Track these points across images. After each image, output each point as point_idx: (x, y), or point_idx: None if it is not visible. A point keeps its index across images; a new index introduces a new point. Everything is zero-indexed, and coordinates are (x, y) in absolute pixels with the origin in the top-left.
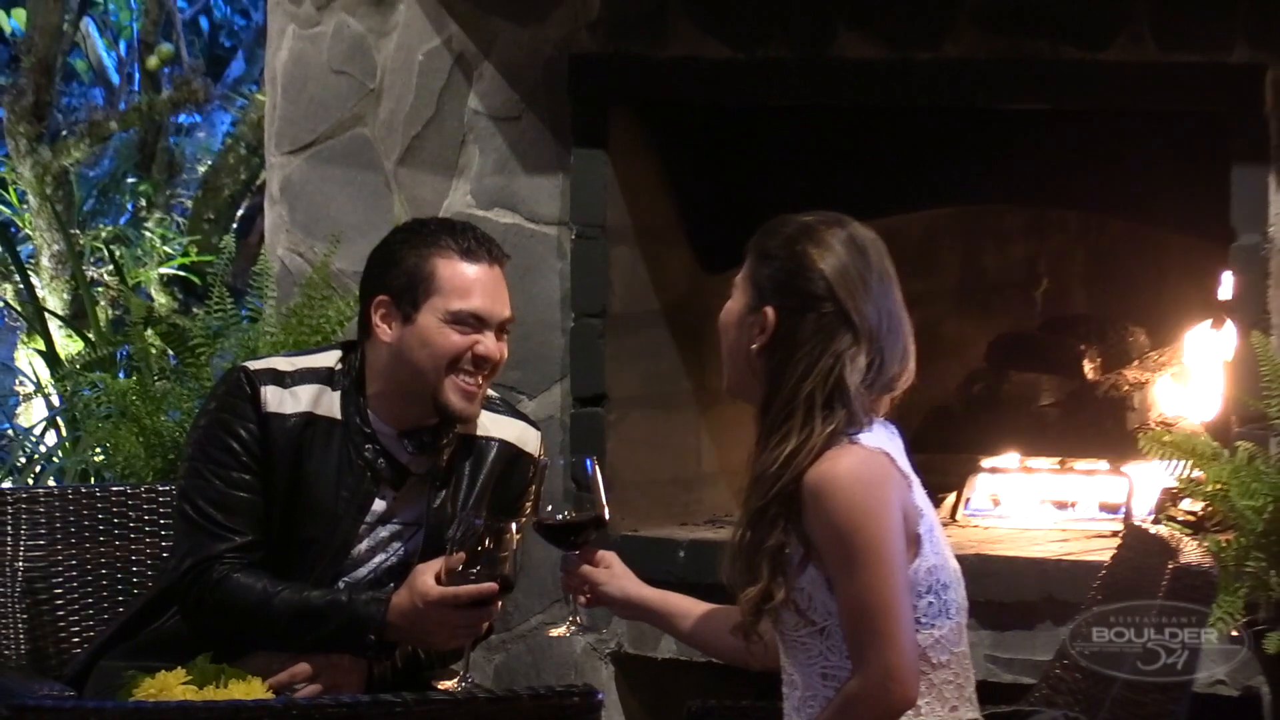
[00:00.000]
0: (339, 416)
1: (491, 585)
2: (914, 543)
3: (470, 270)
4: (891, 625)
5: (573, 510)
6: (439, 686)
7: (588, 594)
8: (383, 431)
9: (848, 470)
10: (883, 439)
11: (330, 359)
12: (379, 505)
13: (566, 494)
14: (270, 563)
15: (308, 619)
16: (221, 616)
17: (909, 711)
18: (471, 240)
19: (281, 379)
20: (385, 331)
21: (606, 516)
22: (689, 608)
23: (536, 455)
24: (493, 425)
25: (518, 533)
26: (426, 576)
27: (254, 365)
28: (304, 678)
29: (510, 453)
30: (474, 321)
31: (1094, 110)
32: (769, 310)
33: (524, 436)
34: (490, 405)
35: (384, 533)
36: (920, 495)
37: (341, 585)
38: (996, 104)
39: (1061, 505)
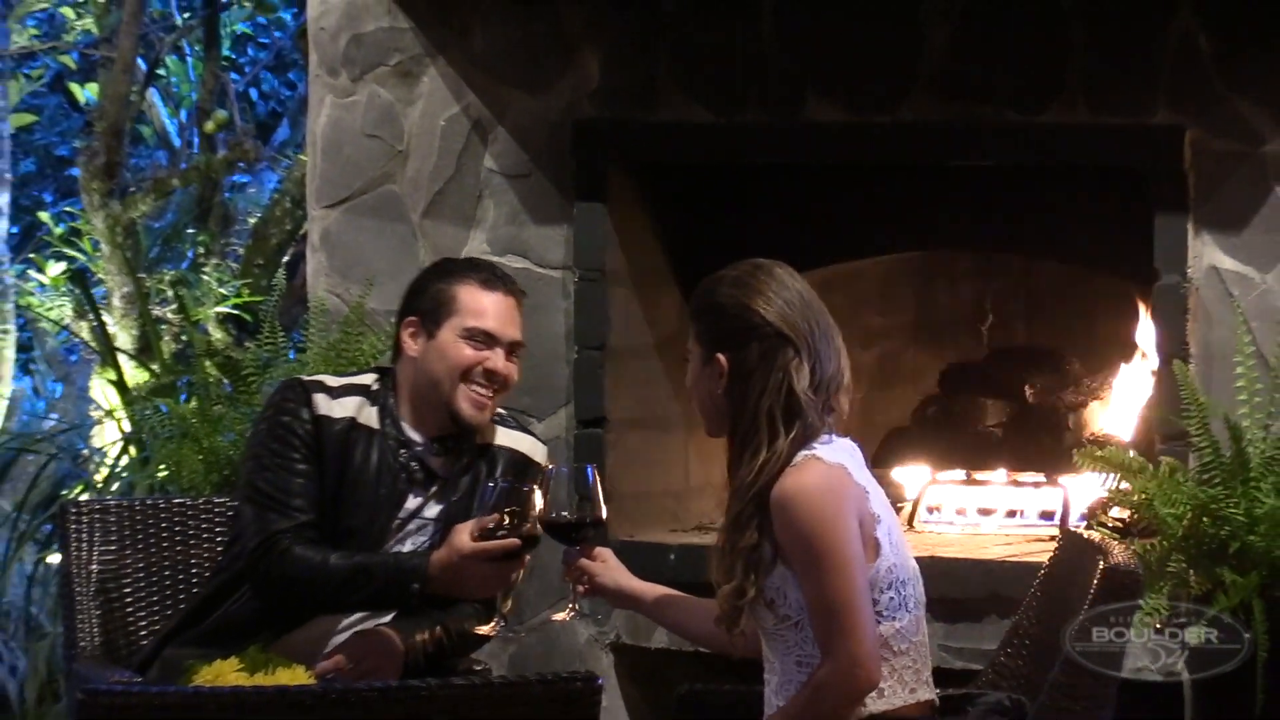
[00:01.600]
0: (377, 426)
1: (517, 541)
2: (872, 545)
3: (487, 296)
4: (854, 619)
5: (575, 511)
6: (480, 632)
7: (585, 584)
8: (413, 440)
9: (809, 485)
10: (843, 454)
11: (369, 379)
12: (411, 503)
13: (570, 499)
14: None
15: (360, 576)
16: (286, 585)
17: (873, 694)
18: (490, 273)
19: (329, 390)
20: (411, 347)
21: (604, 516)
22: (676, 600)
23: (544, 464)
24: (506, 438)
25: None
26: (463, 534)
27: (306, 378)
28: (346, 665)
29: (521, 461)
30: (485, 338)
31: (1032, 166)
32: (720, 357)
33: (534, 448)
34: (504, 422)
35: (413, 526)
36: (878, 503)
37: None
38: (947, 161)
39: (1005, 513)
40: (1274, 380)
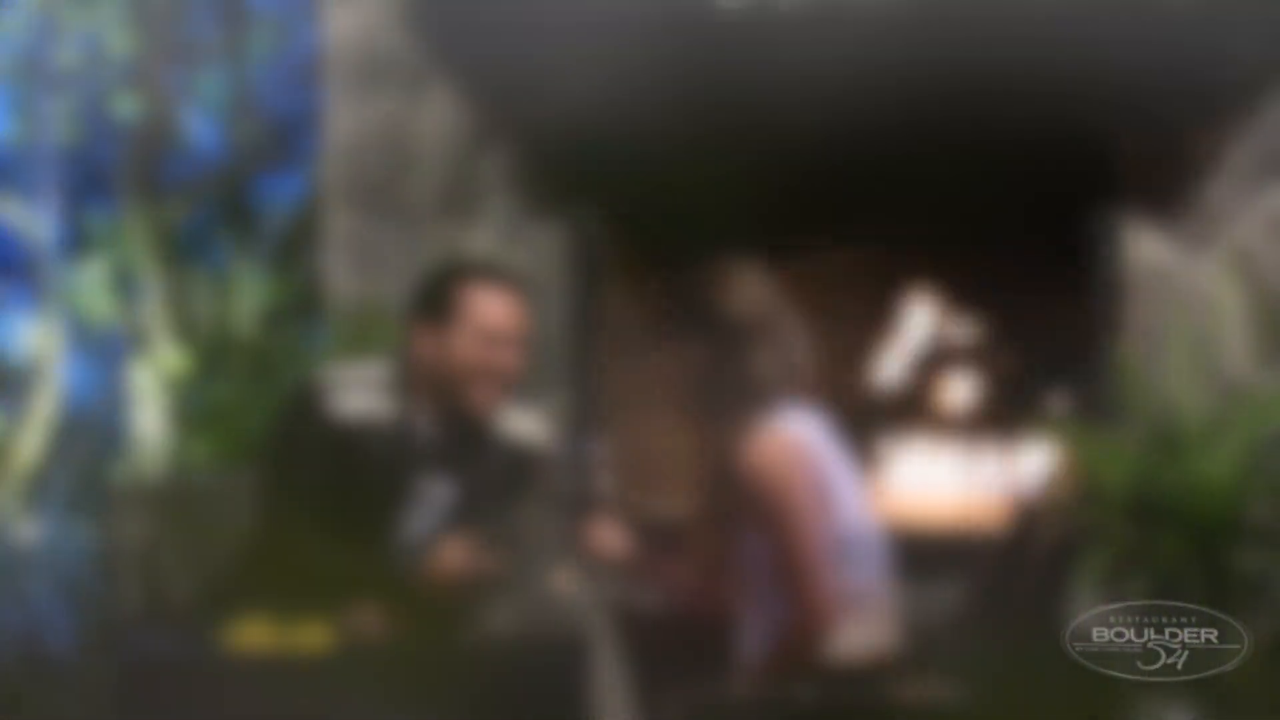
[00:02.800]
0: (389, 415)
1: None
2: (832, 506)
3: (498, 298)
4: (814, 571)
5: (578, 487)
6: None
7: (586, 555)
8: (423, 427)
9: (772, 452)
10: (805, 425)
11: (381, 370)
12: (420, 486)
13: (573, 476)
14: None
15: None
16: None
17: (838, 640)
18: (499, 274)
19: (342, 383)
20: (425, 344)
21: (605, 492)
22: (668, 570)
23: (546, 445)
24: (512, 421)
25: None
26: None
27: (319, 371)
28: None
29: (524, 443)
30: (497, 338)
31: (984, 167)
32: (692, 349)
33: (536, 430)
34: (510, 406)
35: (426, 499)
36: (837, 467)
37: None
38: (907, 164)
39: (966, 481)
40: (1206, 359)
